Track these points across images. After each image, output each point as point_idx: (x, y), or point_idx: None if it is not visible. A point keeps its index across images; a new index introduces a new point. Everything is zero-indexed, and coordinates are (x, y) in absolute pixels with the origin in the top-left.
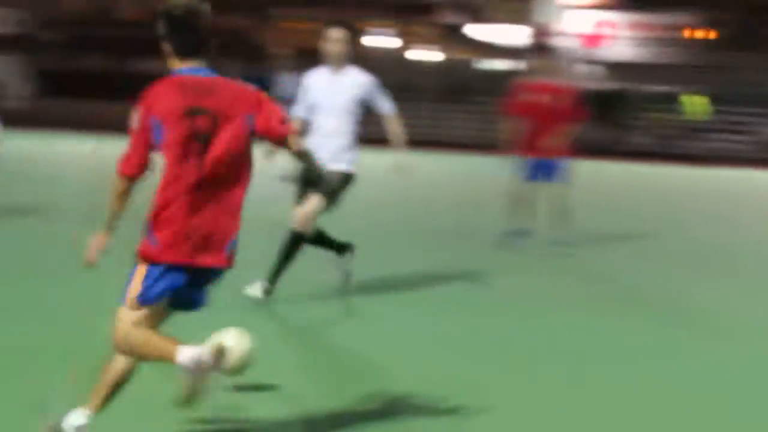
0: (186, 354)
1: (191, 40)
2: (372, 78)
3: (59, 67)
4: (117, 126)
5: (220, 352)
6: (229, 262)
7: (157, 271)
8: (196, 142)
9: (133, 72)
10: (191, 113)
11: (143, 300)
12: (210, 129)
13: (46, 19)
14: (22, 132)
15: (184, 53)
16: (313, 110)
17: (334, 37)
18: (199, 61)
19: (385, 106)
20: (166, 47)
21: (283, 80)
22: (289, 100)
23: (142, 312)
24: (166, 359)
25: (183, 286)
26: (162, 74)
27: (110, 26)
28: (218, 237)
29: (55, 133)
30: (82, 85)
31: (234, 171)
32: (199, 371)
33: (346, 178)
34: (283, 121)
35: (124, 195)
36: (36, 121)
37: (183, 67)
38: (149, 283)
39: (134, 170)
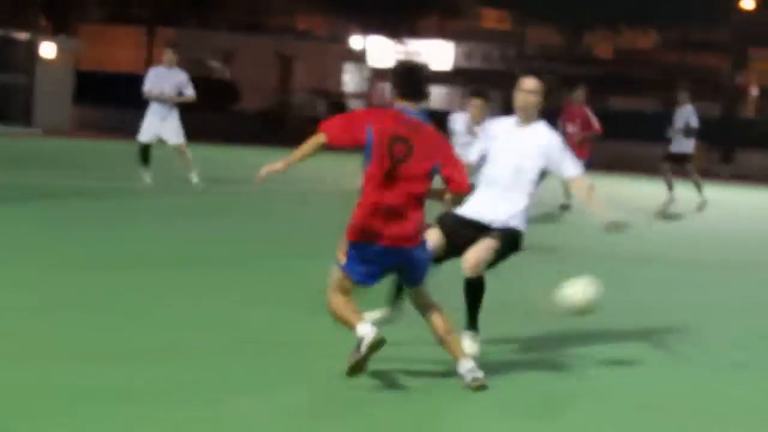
0: (362, 330)
1: (409, 88)
2: (558, 137)
3: None
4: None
5: (374, 345)
6: (407, 242)
7: (353, 251)
8: (390, 160)
9: (606, 109)
10: (396, 139)
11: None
12: (404, 155)
13: (515, 54)
14: None
15: (404, 96)
16: (488, 159)
17: (526, 88)
18: (413, 103)
19: (570, 168)
20: (394, 90)
21: (681, 114)
22: (687, 130)
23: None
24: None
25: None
26: (637, 112)
27: (580, 62)
28: (396, 229)
29: None
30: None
31: (413, 188)
32: (360, 349)
33: (517, 236)
34: (463, 175)
35: (315, 149)
36: None
37: (402, 105)
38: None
39: (332, 141)
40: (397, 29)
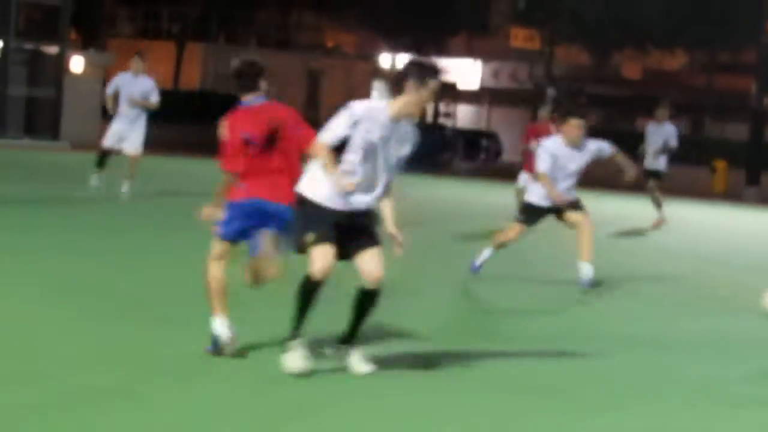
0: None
1: (245, 82)
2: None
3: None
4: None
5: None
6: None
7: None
8: (269, 140)
9: (627, 130)
10: (268, 124)
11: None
12: (276, 132)
13: (545, 75)
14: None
15: (243, 90)
16: (357, 149)
17: (435, 88)
18: (255, 93)
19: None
20: (236, 85)
21: (659, 132)
22: (664, 149)
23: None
24: None
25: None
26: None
27: (608, 83)
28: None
29: None
30: None
31: (289, 156)
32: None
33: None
34: (311, 137)
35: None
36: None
37: (248, 98)
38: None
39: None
40: (425, 47)
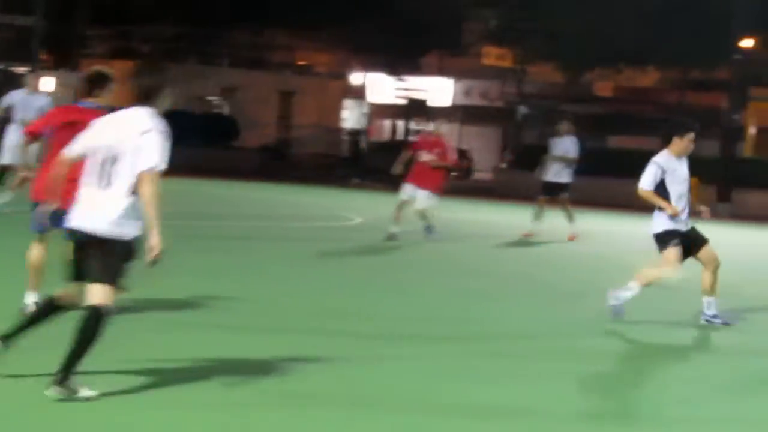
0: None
1: (85, 87)
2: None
3: (532, 141)
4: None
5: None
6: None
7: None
8: (64, 136)
9: (608, 148)
10: (70, 123)
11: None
12: (73, 130)
13: (517, 92)
14: (486, 202)
15: (83, 94)
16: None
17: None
18: (93, 99)
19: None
20: (82, 91)
21: (560, 144)
22: (566, 162)
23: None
24: None
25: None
26: (635, 150)
27: (580, 101)
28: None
29: (517, 205)
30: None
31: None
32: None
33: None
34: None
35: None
36: (499, 192)
37: (85, 101)
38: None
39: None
40: (397, 66)
